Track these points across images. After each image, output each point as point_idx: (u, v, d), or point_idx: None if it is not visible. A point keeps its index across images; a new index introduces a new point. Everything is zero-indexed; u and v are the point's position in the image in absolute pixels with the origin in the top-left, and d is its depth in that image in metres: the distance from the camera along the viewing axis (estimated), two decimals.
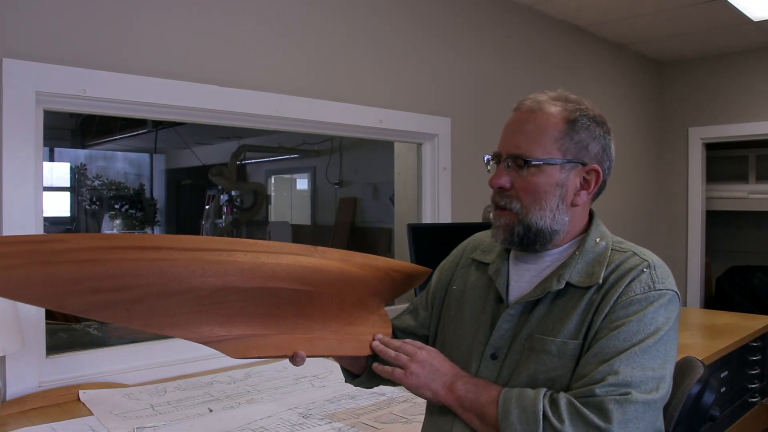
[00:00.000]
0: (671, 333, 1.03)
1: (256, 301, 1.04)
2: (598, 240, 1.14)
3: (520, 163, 1.10)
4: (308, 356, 1.11)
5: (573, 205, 1.13)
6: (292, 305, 1.09)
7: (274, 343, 1.07)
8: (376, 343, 1.19)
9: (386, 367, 1.16)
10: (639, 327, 1.01)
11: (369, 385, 1.34)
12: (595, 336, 1.03)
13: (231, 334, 1.03)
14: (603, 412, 0.94)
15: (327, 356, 1.20)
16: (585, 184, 1.14)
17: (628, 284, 1.05)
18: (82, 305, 0.91)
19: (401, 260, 1.41)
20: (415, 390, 1.12)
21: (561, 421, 0.95)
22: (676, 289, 1.07)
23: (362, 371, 1.31)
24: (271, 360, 2.26)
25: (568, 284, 1.09)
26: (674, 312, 1.05)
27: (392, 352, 1.16)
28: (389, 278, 1.28)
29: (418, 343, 1.18)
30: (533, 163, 1.09)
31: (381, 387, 1.94)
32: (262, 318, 1.06)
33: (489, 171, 1.20)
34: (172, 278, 0.95)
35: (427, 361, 1.12)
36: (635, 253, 1.11)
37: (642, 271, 1.06)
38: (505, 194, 1.12)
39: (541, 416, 0.97)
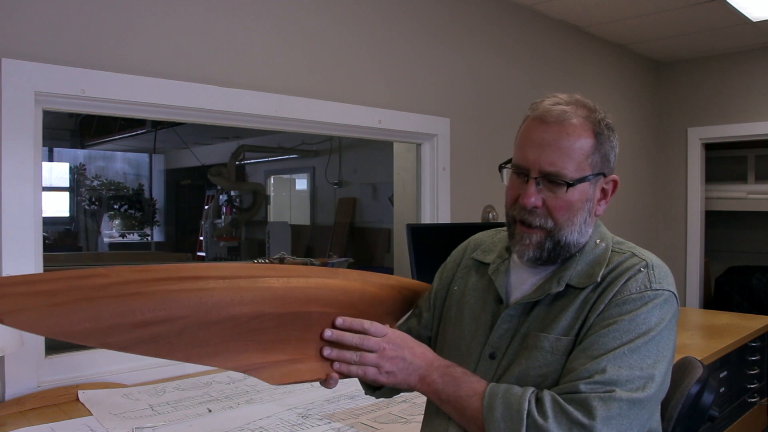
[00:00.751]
0: (665, 333, 1.02)
1: (289, 325, 1.04)
2: (598, 241, 1.14)
3: (560, 182, 1.07)
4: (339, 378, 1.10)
5: (595, 215, 1.14)
6: (321, 327, 1.09)
7: (309, 368, 1.06)
8: (328, 351, 1.07)
9: (352, 367, 1.08)
10: (631, 326, 1.00)
11: (390, 395, 1.31)
12: (587, 332, 1.03)
13: (268, 360, 1.03)
14: (587, 409, 0.94)
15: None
16: (603, 194, 1.14)
17: (624, 283, 1.05)
18: (126, 341, 0.90)
19: (407, 278, 1.40)
20: (394, 386, 1.12)
21: (545, 417, 0.95)
22: (673, 289, 1.07)
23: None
24: None
25: (567, 285, 1.09)
26: (669, 312, 1.04)
27: (353, 355, 1.07)
28: (401, 296, 1.30)
29: (379, 329, 1.08)
30: (575, 182, 1.07)
31: None
32: (295, 342, 1.05)
33: (504, 182, 1.17)
34: (211, 307, 0.95)
35: (399, 356, 1.08)
36: (634, 254, 1.11)
37: (639, 270, 1.06)
38: (536, 213, 1.09)
39: (525, 414, 0.96)
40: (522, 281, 1.17)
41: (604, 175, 1.12)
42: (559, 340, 1.05)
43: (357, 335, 1.07)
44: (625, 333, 1.00)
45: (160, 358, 0.95)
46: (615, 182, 1.14)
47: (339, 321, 1.07)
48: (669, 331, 1.03)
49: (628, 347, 0.99)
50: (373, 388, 1.29)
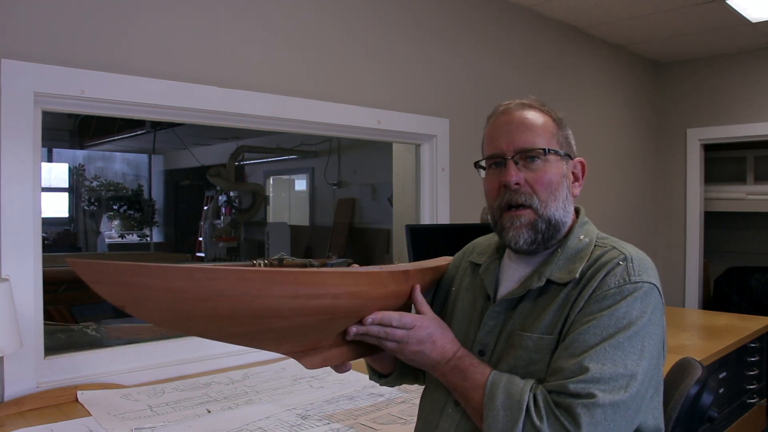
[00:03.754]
0: (649, 327, 1.01)
1: (345, 324, 1.03)
2: (582, 237, 1.15)
3: (538, 153, 1.11)
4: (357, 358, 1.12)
5: (573, 195, 1.18)
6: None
7: (340, 351, 1.07)
8: (354, 330, 1.05)
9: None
10: (611, 321, 1.00)
11: (395, 384, 1.34)
12: (569, 330, 1.04)
13: (311, 347, 1.03)
14: (573, 417, 0.95)
15: (371, 355, 1.20)
16: (575, 177, 1.19)
17: (603, 278, 1.05)
18: (218, 336, 0.91)
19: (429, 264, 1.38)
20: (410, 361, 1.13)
21: (540, 418, 0.96)
22: (655, 281, 1.06)
23: (391, 371, 1.30)
24: (269, 361, 2.26)
25: (549, 281, 1.10)
26: (650, 305, 1.03)
27: (374, 340, 1.08)
28: (427, 281, 1.29)
29: (408, 321, 1.06)
30: (550, 151, 1.12)
31: (379, 388, 1.93)
32: (338, 336, 1.06)
33: (483, 176, 1.20)
34: (304, 318, 0.94)
35: (419, 350, 1.08)
36: (615, 247, 1.11)
37: (618, 264, 1.06)
38: (521, 191, 1.12)
39: (524, 408, 0.97)
40: (509, 278, 1.18)
41: (571, 158, 1.18)
42: (541, 339, 1.06)
43: (382, 329, 1.05)
44: (605, 328, 1.00)
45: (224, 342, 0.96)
46: (582, 164, 1.20)
47: (369, 319, 1.03)
48: (653, 325, 1.02)
49: (609, 343, 0.98)
50: (378, 374, 1.31)
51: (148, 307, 0.80)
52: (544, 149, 1.11)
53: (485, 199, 1.20)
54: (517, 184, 1.11)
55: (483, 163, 1.19)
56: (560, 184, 1.13)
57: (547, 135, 1.13)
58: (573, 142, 1.20)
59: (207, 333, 0.91)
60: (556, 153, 1.13)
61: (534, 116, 1.15)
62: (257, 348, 1.01)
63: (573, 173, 1.18)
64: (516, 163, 1.12)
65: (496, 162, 1.16)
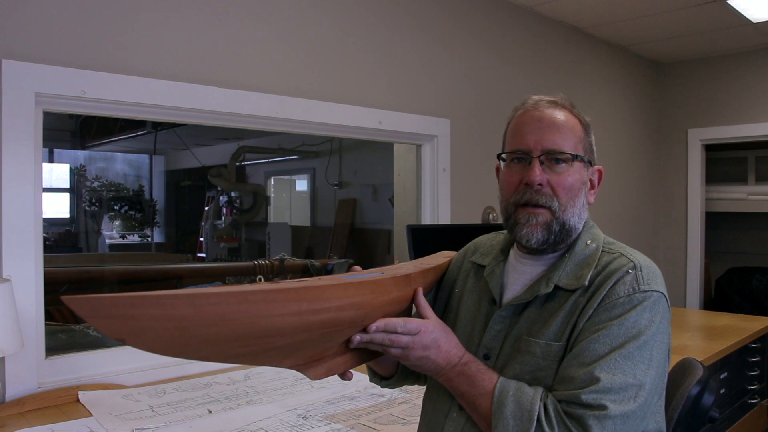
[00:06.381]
0: (657, 336, 1.02)
1: (349, 333, 1.02)
2: (589, 242, 1.14)
3: (566, 158, 1.11)
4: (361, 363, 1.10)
5: (588, 203, 1.18)
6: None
7: (344, 359, 1.06)
8: (358, 338, 1.02)
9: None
10: (620, 330, 1.00)
11: (397, 386, 1.34)
12: (578, 338, 1.03)
13: (314, 358, 1.02)
14: (584, 428, 0.95)
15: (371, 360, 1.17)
16: (590, 184, 1.19)
17: (612, 286, 1.05)
18: (218, 357, 0.90)
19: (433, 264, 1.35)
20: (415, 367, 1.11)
21: (552, 429, 0.96)
22: (662, 290, 1.06)
23: (393, 373, 1.30)
24: None
25: (556, 287, 1.09)
26: (659, 314, 1.04)
27: (378, 348, 1.06)
28: (428, 282, 1.28)
29: (412, 327, 1.03)
30: (577, 157, 1.12)
31: (380, 388, 1.94)
32: (341, 345, 1.05)
33: (503, 168, 1.18)
34: (309, 333, 0.93)
35: (424, 356, 1.06)
36: (623, 254, 1.10)
37: (627, 272, 1.06)
38: (542, 192, 1.11)
39: (535, 418, 0.97)
40: (514, 282, 1.17)
41: (591, 164, 1.18)
42: (549, 345, 1.05)
43: (387, 336, 1.02)
44: (615, 338, 1.00)
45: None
46: (600, 172, 1.20)
47: (373, 327, 1.00)
48: (661, 334, 1.03)
49: (619, 353, 0.99)
50: (379, 377, 1.31)
51: (148, 337, 0.77)
52: (572, 155, 1.11)
53: (500, 191, 1.18)
54: (539, 184, 1.10)
55: (504, 156, 1.18)
56: (580, 191, 1.13)
57: (575, 139, 1.13)
58: (595, 148, 1.19)
59: (210, 357, 0.89)
60: (581, 159, 1.13)
61: (565, 118, 1.14)
62: (260, 365, 0.99)
63: (590, 180, 1.18)
64: (541, 163, 1.11)
65: (519, 157, 1.14)
